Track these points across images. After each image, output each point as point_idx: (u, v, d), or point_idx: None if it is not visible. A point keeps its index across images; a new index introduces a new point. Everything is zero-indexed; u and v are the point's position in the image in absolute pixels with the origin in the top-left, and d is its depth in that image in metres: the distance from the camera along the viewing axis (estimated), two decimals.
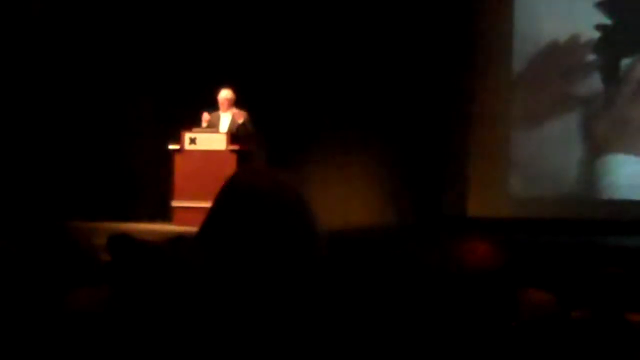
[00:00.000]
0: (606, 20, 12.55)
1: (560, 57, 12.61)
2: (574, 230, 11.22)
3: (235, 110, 11.24)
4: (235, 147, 10.90)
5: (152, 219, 12.07)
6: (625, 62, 12.58)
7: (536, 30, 12.67)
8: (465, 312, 2.84)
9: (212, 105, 11.28)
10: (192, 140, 11.07)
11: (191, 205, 10.60)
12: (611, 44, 12.55)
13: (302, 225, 1.91)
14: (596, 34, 12.59)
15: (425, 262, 3.24)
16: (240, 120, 11.12)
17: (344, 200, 12.59)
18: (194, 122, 11.28)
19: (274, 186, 1.92)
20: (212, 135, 11.05)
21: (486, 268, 2.87)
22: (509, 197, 12.70)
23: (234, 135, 11.03)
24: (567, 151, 12.60)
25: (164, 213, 11.83)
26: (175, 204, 11.24)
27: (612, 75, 12.57)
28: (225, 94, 11.23)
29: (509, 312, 2.90)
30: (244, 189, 1.90)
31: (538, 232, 11.00)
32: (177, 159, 11.17)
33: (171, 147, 11.19)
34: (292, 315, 1.84)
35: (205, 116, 11.15)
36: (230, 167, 10.36)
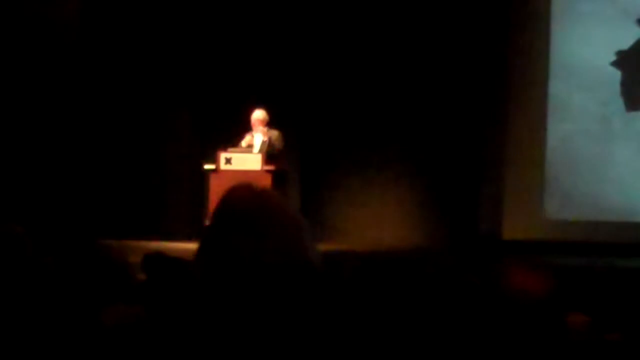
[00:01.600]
0: None
1: (598, 81, 12.55)
2: (608, 253, 11.14)
3: (267, 130, 11.27)
4: (270, 167, 10.93)
5: (187, 238, 12.10)
6: None
7: (573, 53, 12.62)
8: (510, 337, 2.83)
9: (248, 126, 11.33)
10: (228, 160, 11.09)
11: None
12: None
13: (292, 242, 1.93)
14: (633, 57, 12.55)
15: (463, 285, 3.23)
16: (267, 138, 11.15)
17: (377, 220, 12.59)
18: (229, 142, 11.32)
19: (260, 205, 1.95)
20: (248, 156, 11.08)
21: (536, 297, 2.85)
22: (545, 219, 12.63)
23: (269, 155, 11.06)
24: (604, 174, 12.53)
25: (199, 232, 11.84)
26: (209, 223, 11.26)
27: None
28: (257, 115, 11.26)
29: (557, 337, 2.89)
30: (234, 209, 1.93)
31: (573, 255, 10.93)
32: (213, 179, 11.19)
33: (207, 167, 11.22)
34: (293, 330, 1.86)
35: (247, 138, 11.21)
36: (265, 187, 10.36)
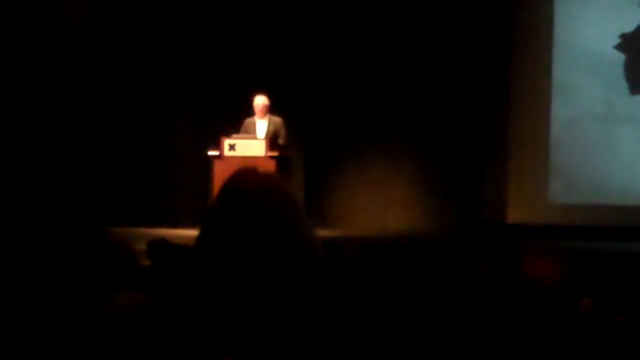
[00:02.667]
0: None
1: (601, 64, 12.53)
2: (612, 237, 11.15)
3: (270, 116, 11.25)
4: (274, 153, 10.92)
5: (191, 224, 12.12)
6: None
7: (576, 36, 12.60)
8: (521, 324, 2.83)
9: (250, 111, 11.31)
10: (232, 147, 11.08)
11: None
12: None
13: (293, 227, 1.93)
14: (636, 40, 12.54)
15: (470, 271, 3.23)
16: (272, 130, 11.13)
17: (381, 206, 12.59)
18: (232, 128, 11.31)
19: (266, 189, 1.95)
20: (251, 142, 11.06)
21: (552, 285, 2.85)
22: (549, 203, 12.63)
23: (272, 141, 11.05)
24: (608, 158, 12.52)
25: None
26: None
27: None
28: (260, 101, 11.23)
29: (568, 323, 2.88)
30: (237, 192, 1.93)
31: (577, 239, 10.94)
32: (217, 165, 11.18)
33: (210, 153, 11.21)
34: (294, 315, 1.86)
35: (249, 123, 11.21)
36: (268, 171, 10.36)
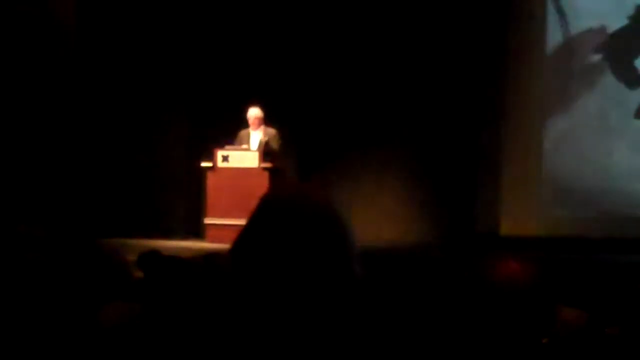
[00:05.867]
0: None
1: (596, 72, 12.56)
2: (606, 249, 11.15)
3: (265, 128, 11.26)
4: (267, 164, 10.93)
5: (184, 236, 12.11)
6: None
7: (570, 45, 12.64)
8: (499, 329, 2.84)
9: (244, 123, 11.32)
10: (225, 158, 11.09)
11: (223, 222, 10.62)
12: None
13: (336, 243, 1.87)
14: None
15: (456, 278, 3.24)
16: (265, 139, 11.15)
17: (376, 216, 12.58)
18: (226, 140, 11.32)
19: (310, 203, 1.89)
20: (245, 153, 11.08)
21: (518, 285, 2.87)
22: (543, 215, 12.62)
23: (265, 153, 11.06)
24: (602, 170, 12.53)
25: (197, 230, 11.87)
26: (207, 221, 11.27)
27: None
28: (254, 113, 11.25)
29: (544, 329, 2.90)
30: (281, 206, 1.86)
31: (571, 251, 10.94)
32: (210, 177, 11.20)
33: (204, 164, 11.22)
34: (327, 332, 1.81)
35: (243, 135, 11.22)
36: (262, 184, 10.40)
